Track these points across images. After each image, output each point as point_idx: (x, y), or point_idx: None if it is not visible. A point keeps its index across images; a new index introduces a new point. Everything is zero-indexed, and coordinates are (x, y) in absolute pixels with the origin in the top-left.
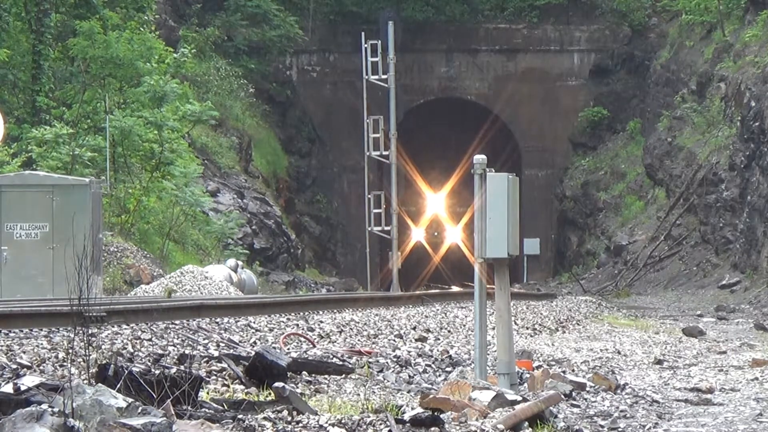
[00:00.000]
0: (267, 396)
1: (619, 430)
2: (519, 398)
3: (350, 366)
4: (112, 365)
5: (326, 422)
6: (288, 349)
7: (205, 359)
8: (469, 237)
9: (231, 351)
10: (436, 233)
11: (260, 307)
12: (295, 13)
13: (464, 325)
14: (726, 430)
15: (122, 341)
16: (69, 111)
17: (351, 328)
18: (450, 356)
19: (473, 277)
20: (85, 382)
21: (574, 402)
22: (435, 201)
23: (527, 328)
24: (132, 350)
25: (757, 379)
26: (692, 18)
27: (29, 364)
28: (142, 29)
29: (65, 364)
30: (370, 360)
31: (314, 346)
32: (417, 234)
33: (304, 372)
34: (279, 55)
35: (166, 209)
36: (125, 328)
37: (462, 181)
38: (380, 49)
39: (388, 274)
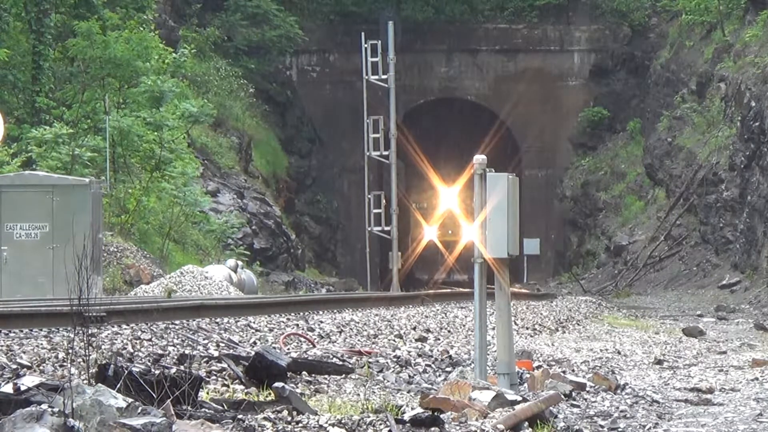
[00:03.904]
0: (267, 396)
1: (619, 430)
2: (519, 398)
3: (350, 366)
4: (112, 365)
5: (326, 422)
6: (288, 349)
7: (205, 359)
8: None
9: (231, 351)
10: (450, 231)
11: (260, 307)
12: (295, 13)
13: (464, 325)
14: (726, 430)
15: (122, 341)
16: (69, 111)
17: (351, 328)
18: (450, 356)
19: (488, 278)
20: (85, 382)
21: (574, 402)
22: (448, 197)
23: (527, 328)
24: (132, 350)
25: (757, 379)
26: (692, 18)
27: (29, 364)
28: (141, 28)
29: (65, 364)
30: (370, 360)
31: (314, 346)
32: (429, 232)
33: (304, 372)
34: (279, 55)
35: (166, 209)
36: (125, 328)
37: (469, 182)
38: (380, 49)
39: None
